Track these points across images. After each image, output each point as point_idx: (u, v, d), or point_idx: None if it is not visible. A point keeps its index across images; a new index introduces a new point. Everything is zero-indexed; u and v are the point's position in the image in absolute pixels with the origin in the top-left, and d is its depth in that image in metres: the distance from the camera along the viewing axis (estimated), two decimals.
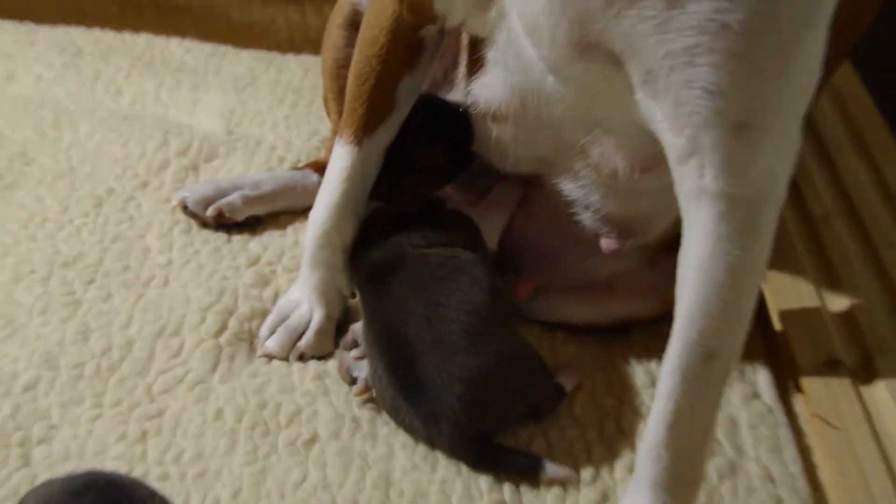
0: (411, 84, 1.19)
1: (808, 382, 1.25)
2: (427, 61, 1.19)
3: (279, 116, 1.62)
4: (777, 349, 1.34)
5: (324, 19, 1.69)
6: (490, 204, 1.30)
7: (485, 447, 1.13)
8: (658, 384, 1.03)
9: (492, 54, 1.13)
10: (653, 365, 1.31)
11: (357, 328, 1.23)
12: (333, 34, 1.41)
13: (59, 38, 1.69)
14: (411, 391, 1.11)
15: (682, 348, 0.99)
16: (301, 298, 1.26)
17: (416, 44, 1.17)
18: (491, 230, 1.29)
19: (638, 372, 1.31)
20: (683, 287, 0.99)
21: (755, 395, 1.29)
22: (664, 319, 1.18)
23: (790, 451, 1.21)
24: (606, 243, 1.24)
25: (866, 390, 1.24)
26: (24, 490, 1.01)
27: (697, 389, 1.00)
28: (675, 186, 0.97)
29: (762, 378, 1.31)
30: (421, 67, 1.19)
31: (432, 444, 1.13)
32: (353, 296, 1.28)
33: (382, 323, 1.16)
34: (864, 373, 1.26)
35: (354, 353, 1.21)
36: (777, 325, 1.33)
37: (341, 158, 1.21)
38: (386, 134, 1.21)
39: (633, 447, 1.18)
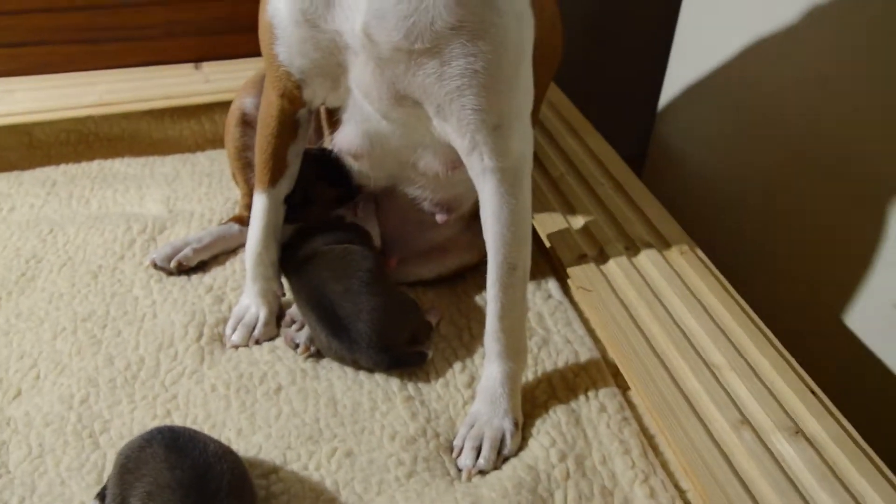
0: (296, 148, 1.31)
1: (571, 271, 1.42)
2: (304, 131, 1.31)
3: (201, 194, 1.70)
4: (551, 260, 1.51)
5: (216, 125, 1.82)
6: (365, 217, 1.42)
7: (389, 355, 1.27)
8: (487, 295, 1.18)
9: (345, 115, 1.26)
10: (483, 291, 1.45)
11: (292, 311, 1.36)
12: (231, 131, 1.50)
13: (38, 176, 1.74)
14: (336, 329, 1.25)
15: (496, 267, 1.15)
16: (249, 303, 1.37)
17: (295, 122, 1.28)
18: (375, 232, 1.42)
19: (475, 298, 1.46)
20: (487, 231, 1.15)
21: (550, 296, 1.46)
22: (482, 264, 1.36)
23: (577, 323, 1.39)
24: (440, 217, 1.38)
25: (604, 267, 1.43)
26: (101, 465, 1.12)
27: (510, 290, 1.17)
28: (468, 171, 1.13)
29: (552, 285, 1.49)
30: (301, 136, 1.30)
31: (356, 364, 1.27)
32: (283, 295, 1.40)
33: (310, 292, 1.29)
34: (601, 258, 1.45)
35: (294, 326, 1.34)
36: (547, 243, 1.48)
37: (259, 203, 1.32)
38: (286, 183, 1.33)
39: (480, 342, 1.34)
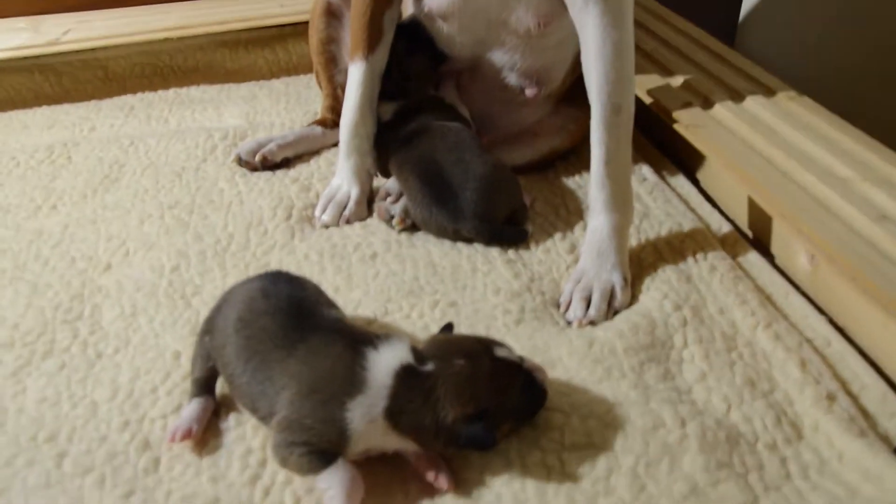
0: (391, 14, 1.26)
1: (677, 114, 1.34)
2: None
3: (280, 109, 1.66)
4: (642, 147, 1.43)
5: (289, 54, 1.78)
6: (454, 99, 1.36)
7: (491, 227, 1.19)
8: (591, 138, 1.11)
9: None
10: (573, 177, 1.39)
11: (387, 185, 1.29)
12: (316, 22, 1.46)
13: (116, 103, 1.72)
14: (443, 197, 1.18)
15: (600, 108, 1.08)
16: (341, 182, 1.30)
17: None
18: (464, 112, 1.36)
19: (567, 182, 1.39)
20: (590, 71, 1.08)
21: (644, 179, 1.39)
22: (572, 151, 1.29)
23: (675, 200, 1.32)
24: (529, 92, 1.31)
25: (711, 112, 1.35)
26: (195, 321, 1.08)
27: (615, 132, 1.10)
28: (570, 9, 1.06)
29: (645, 170, 1.41)
30: (395, 1, 1.26)
31: (457, 233, 1.19)
32: (376, 174, 1.33)
33: (417, 161, 1.23)
34: (706, 104, 1.37)
35: (390, 199, 1.26)
36: (647, 99, 1.41)
37: (356, 72, 1.27)
38: (381, 52, 1.27)
39: (578, 216, 1.28)
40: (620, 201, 1.12)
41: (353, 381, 0.81)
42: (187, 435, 0.89)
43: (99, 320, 1.09)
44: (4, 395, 0.96)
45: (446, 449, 0.83)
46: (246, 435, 0.90)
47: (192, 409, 0.92)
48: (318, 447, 0.81)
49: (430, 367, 0.82)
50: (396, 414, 0.81)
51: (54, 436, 0.91)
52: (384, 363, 0.82)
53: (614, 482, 0.83)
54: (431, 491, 0.83)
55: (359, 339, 0.85)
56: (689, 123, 1.25)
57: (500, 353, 0.85)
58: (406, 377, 0.82)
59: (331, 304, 0.94)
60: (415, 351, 0.85)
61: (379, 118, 1.32)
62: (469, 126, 1.31)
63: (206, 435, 0.91)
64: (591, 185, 1.12)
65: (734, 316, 1.06)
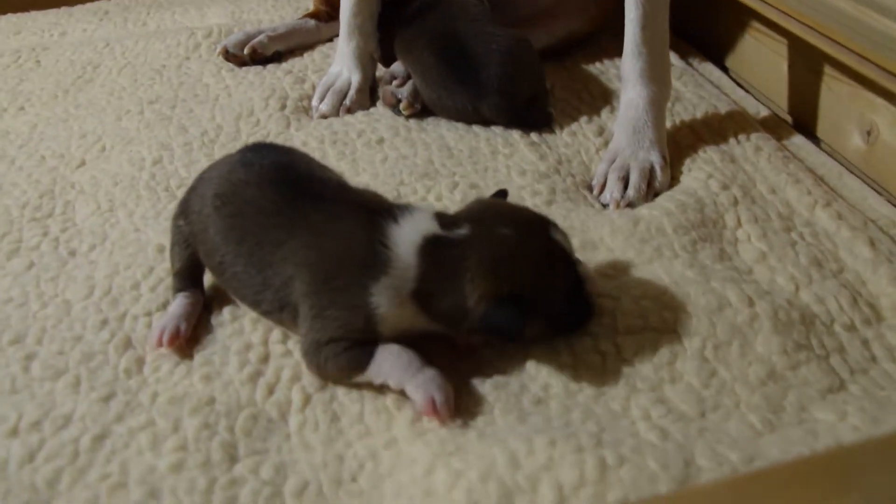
0: None
1: None
2: None
3: (268, 6, 1.52)
4: None
5: None
6: None
7: (515, 106, 1.04)
8: (626, 1, 0.96)
9: None
10: (594, 63, 1.25)
11: (393, 69, 1.13)
12: None
13: (90, 8, 1.58)
14: (463, 73, 1.03)
15: None
16: (341, 68, 1.15)
17: None
18: None
19: (588, 67, 1.24)
20: None
21: (671, 64, 1.22)
22: (590, 38, 1.13)
23: (708, 85, 1.18)
24: None
25: None
26: None
27: None
28: None
29: (672, 57, 1.24)
30: None
31: (476, 112, 1.04)
32: (378, 59, 1.18)
33: (434, 33, 1.07)
34: None
35: (395, 83, 1.11)
36: None
37: None
38: None
39: (604, 100, 1.13)
40: (658, 72, 0.97)
41: (374, 262, 0.66)
42: (175, 336, 0.74)
43: (72, 217, 0.94)
44: None
45: (470, 336, 0.69)
46: (244, 329, 0.76)
47: (176, 305, 0.77)
48: (350, 340, 0.66)
49: (462, 231, 0.67)
50: (426, 294, 0.66)
51: (20, 337, 0.77)
52: (407, 236, 0.67)
53: (680, 367, 0.69)
54: (463, 374, 0.68)
55: (373, 210, 0.70)
56: None
57: (556, 235, 0.69)
58: (433, 249, 0.66)
59: (325, 169, 0.78)
60: (440, 217, 0.69)
61: None
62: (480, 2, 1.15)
63: (196, 331, 0.76)
64: (625, 54, 0.98)
65: (788, 195, 0.92)
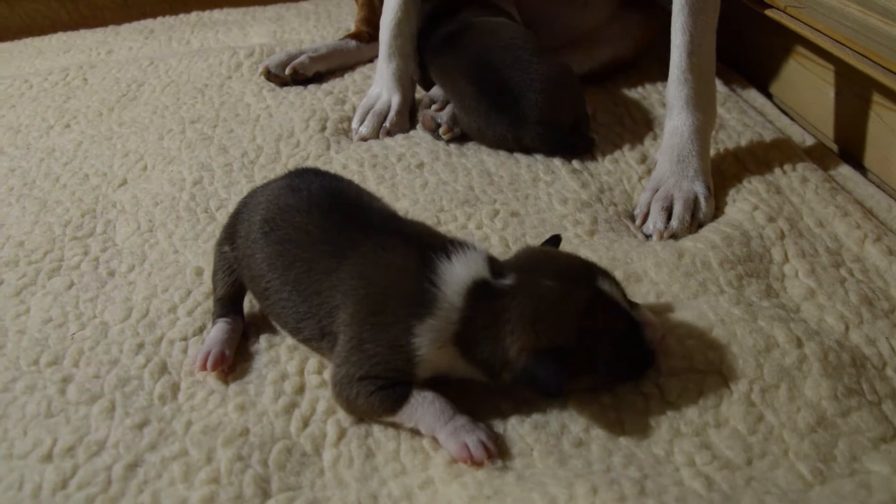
0: None
1: None
2: None
3: (309, 27, 1.51)
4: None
5: None
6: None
7: (557, 133, 1.01)
8: (672, 27, 0.93)
9: None
10: (636, 88, 1.22)
11: (432, 93, 1.11)
12: None
13: (136, 27, 1.57)
14: (502, 101, 1.00)
15: None
16: (380, 90, 1.13)
17: None
18: (514, 13, 1.19)
19: (630, 92, 1.21)
20: None
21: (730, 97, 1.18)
22: (633, 64, 1.10)
23: (752, 112, 1.14)
24: None
25: None
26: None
27: (702, 18, 0.92)
28: None
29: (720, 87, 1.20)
30: None
31: (518, 141, 1.01)
32: (418, 80, 1.16)
33: (468, 64, 1.04)
34: None
35: (435, 107, 1.09)
36: None
37: None
38: None
39: (647, 127, 1.10)
40: (704, 99, 0.94)
41: (421, 301, 0.63)
42: (220, 361, 0.72)
43: (112, 237, 0.93)
44: (5, 315, 0.81)
45: (511, 385, 0.65)
46: (280, 358, 0.73)
47: (218, 330, 0.75)
48: (385, 378, 0.63)
49: (508, 281, 0.64)
50: (468, 341, 0.63)
51: (58, 359, 0.75)
52: (457, 278, 0.64)
53: (726, 411, 0.66)
54: (502, 414, 0.65)
55: (426, 245, 0.67)
56: (787, 4, 1.04)
57: (604, 285, 0.65)
58: (479, 295, 0.63)
59: (373, 197, 0.76)
60: (491, 261, 0.66)
61: None
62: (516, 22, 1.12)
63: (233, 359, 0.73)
64: (670, 80, 0.94)
65: (836, 229, 0.88)
